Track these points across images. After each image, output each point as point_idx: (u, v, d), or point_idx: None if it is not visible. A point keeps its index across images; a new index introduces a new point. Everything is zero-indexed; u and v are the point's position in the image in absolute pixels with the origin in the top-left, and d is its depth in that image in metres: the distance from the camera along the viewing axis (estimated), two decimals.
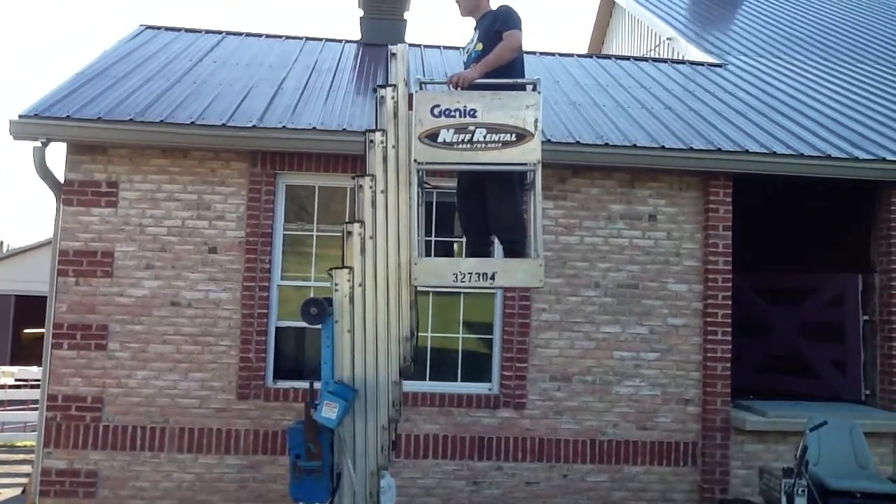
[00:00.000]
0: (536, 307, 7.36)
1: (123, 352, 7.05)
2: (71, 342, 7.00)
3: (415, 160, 4.65)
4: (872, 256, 8.11)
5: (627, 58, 11.72)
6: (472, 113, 4.58)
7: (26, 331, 21.96)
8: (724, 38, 13.12)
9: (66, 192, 7.13)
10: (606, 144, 7.36)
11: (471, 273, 4.63)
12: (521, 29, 4.92)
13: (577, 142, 7.34)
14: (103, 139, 7.05)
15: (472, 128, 4.57)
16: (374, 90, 4.89)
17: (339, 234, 4.87)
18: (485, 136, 4.57)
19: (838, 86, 10.49)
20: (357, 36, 11.31)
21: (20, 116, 6.88)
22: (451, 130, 4.58)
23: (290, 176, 7.38)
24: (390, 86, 4.86)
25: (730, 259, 7.53)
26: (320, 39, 10.83)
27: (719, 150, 7.45)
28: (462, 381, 7.41)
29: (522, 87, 4.76)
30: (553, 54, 10.99)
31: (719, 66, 11.17)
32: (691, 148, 7.44)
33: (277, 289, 7.28)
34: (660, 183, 7.60)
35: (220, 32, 10.53)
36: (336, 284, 4.78)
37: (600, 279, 7.46)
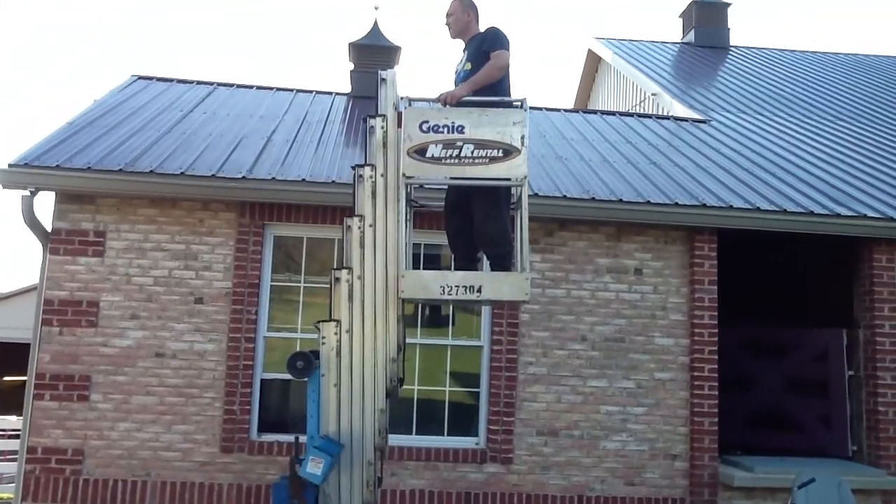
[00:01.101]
0: (523, 360, 7.35)
1: (106, 403, 6.96)
2: (53, 393, 6.92)
3: (403, 174, 4.70)
4: (856, 311, 8.18)
5: (613, 113, 11.92)
6: (460, 129, 4.66)
7: (6, 378, 21.62)
8: (708, 94, 13.38)
9: (53, 241, 7.12)
10: (593, 199, 7.44)
11: (458, 286, 4.66)
12: (508, 49, 5.03)
13: (564, 196, 7.42)
14: (92, 189, 7.06)
15: (459, 143, 4.64)
16: (364, 120, 4.94)
17: (327, 285, 4.86)
18: (472, 152, 4.64)
19: (820, 143, 10.69)
20: (347, 88, 11.45)
21: (10, 165, 6.89)
22: (440, 146, 4.65)
23: (279, 227, 7.40)
24: (380, 116, 4.91)
25: (716, 313, 7.57)
26: (311, 92, 10.96)
27: (704, 205, 7.55)
28: (448, 434, 7.35)
29: (509, 105, 4.84)
30: (540, 108, 11.15)
31: (703, 121, 11.37)
32: (676, 203, 7.53)
33: (263, 340, 7.24)
34: (646, 237, 7.67)
35: (211, 83, 10.65)
36: (323, 337, 4.76)
37: (587, 332, 7.47)
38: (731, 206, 7.58)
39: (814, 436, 8.43)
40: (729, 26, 17.36)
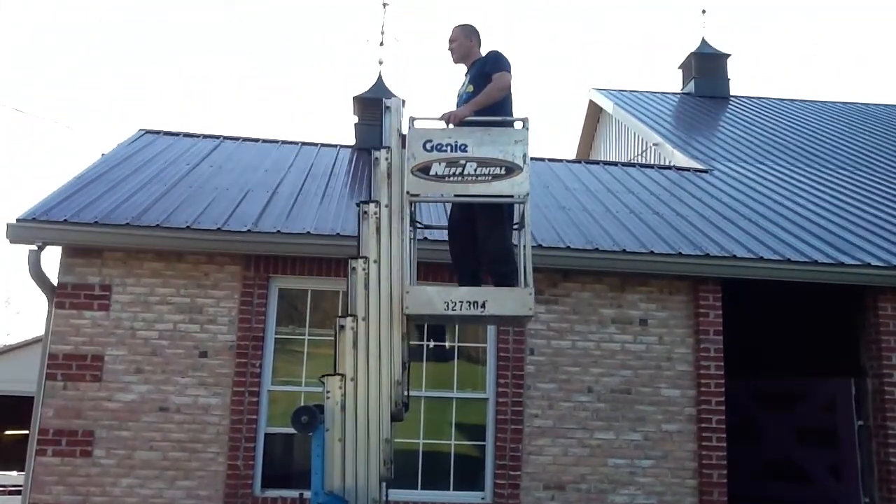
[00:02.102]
0: (529, 412, 7.30)
1: (109, 458, 6.91)
2: (55, 448, 6.87)
3: (407, 192, 4.76)
4: (863, 360, 8.13)
5: (615, 163, 12.02)
6: (463, 147, 4.73)
7: (8, 432, 21.47)
8: (709, 143, 13.49)
9: (59, 295, 7.14)
10: (596, 249, 7.47)
11: (462, 301, 4.68)
12: (510, 72, 5.15)
13: (568, 247, 7.45)
14: (99, 243, 7.12)
15: (462, 161, 4.71)
16: (369, 152, 5.00)
17: (331, 338, 4.86)
18: (475, 170, 4.71)
19: (822, 192, 10.74)
20: (352, 141, 11.58)
21: (17, 220, 6.96)
22: (443, 164, 4.73)
23: (284, 279, 7.43)
24: (384, 148, 4.97)
25: (722, 363, 7.53)
26: (316, 144, 11.09)
27: (707, 255, 7.57)
28: (454, 489, 7.26)
29: (511, 125, 4.94)
30: (543, 159, 11.24)
31: (705, 171, 11.45)
32: (680, 253, 7.56)
33: (268, 394, 7.21)
34: (650, 287, 7.67)
35: (217, 137, 10.78)
36: (328, 392, 4.73)
37: (593, 384, 7.43)
38: (735, 256, 7.60)
39: (825, 488, 8.31)
40: (729, 76, 17.58)
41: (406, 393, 4.81)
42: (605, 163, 11.93)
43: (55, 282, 7.16)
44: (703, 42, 17.66)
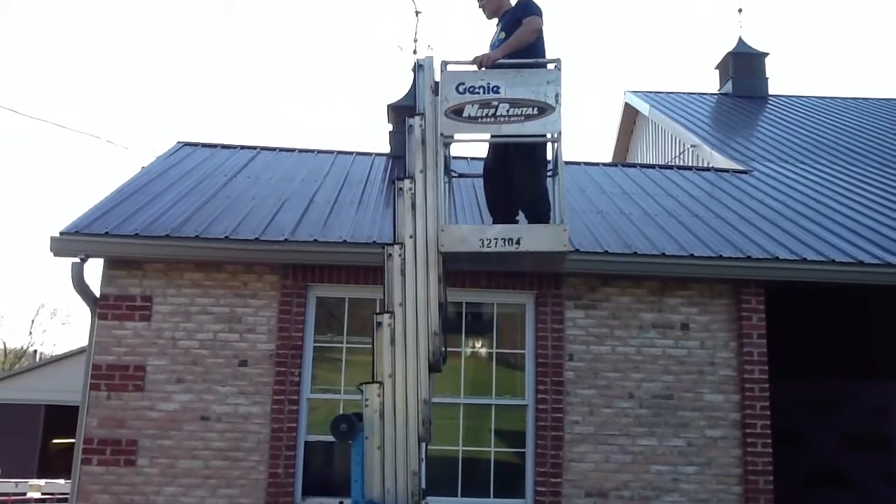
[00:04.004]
0: (570, 419, 7.23)
1: (152, 467, 6.98)
2: (100, 457, 6.96)
3: (441, 133, 4.81)
4: None
5: (653, 166, 11.89)
6: (495, 89, 4.78)
7: (55, 441, 21.87)
8: (748, 144, 13.29)
9: (102, 307, 7.25)
10: (635, 254, 7.38)
11: (497, 239, 4.74)
12: (540, 16, 5.20)
13: (606, 251, 7.37)
14: (140, 255, 7.21)
15: (495, 103, 4.77)
16: (403, 121, 5.04)
17: (369, 345, 4.86)
18: (508, 111, 4.76)
19: (866, 191, 10.50)
20: (387, 149, 11.60)
21: (61, 233, 7.08)
22: (476, 106, 4.78)
23: (321, 288, 7.46)
24: (418, 115, 4.97)
25: (766, 368, 7.38)
26: (351, 153, 11.13)
27: (749, 257, 7.43)
28: (495, 496, 7.20)
29: (543, 66, 4.96)
30: (579, 163, 11.15)
31: (745, 172, 11.27)
32: (721, 256, 7.43)
33: (307, 402, 7.24)
34: (690, 291, 7.56)
35: (254, 148, 10.88)
36: (366, 400, 4.73)
37: (634, 390, 7.33)
38: (777, 258, 7.45)
39: (875, 494, 8.11)
40: (767, 75, 17.32)
41: (444, 347, 4.80)
42: (643, 165, 11.81)
43: (98, 293, 7.27)
44: (741, 41, 17.43)
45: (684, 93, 17.40)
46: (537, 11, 5.23)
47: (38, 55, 66.20)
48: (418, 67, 5.11)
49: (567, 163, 11.17)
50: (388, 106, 12.02)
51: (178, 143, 10.79)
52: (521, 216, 5.40)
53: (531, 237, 4.80)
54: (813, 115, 15.72)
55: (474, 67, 4.95)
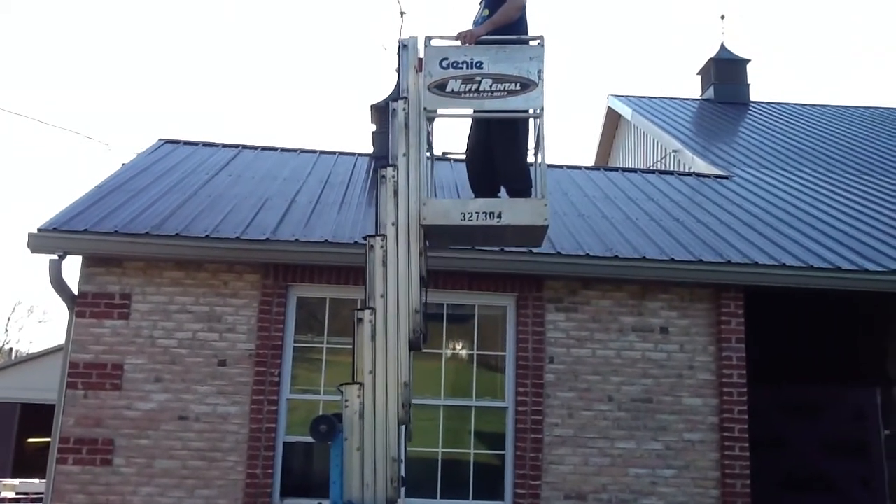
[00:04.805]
0: (549, 421, 7.24)
1: (129, 467, 6.92)
2: (76, 457, 6.89)
3: (424, 108, 4.83)
4: (889, 368, 8.00)
5: (634, 170, 11.94)
6: (478, 65, 4.81)
7: (30, 440, 21.63)
8: (730, 150, 13.39)
9: (80, 304, 7.18)
10: (616, 257, 7.41)
11: (478, 212, 4.78)
12: None
13: (587, 254, 7.39)
14: (119, 252, 7.15)
15: (478, 78, 4.79)
16: (387, 104, 5.05)
17: (350, 346, 4.83)
18: (491, 86, 4.79)
19: (845, 198, 10.61)
20: (369, 149, 11.57)
21: (39, 230, 7.00)
22: (459, 80, 4.81)
23: (302, 288, 7.42)
24: (402, 98, 4.98)
25: (744, 372, 7.43)
26: (334, 153, 11.09)
27: (729, 262, 7.48)
28: (474, 498, 7.20)
29: (526, 44, 4.99)
30: (561, 166, 11.17)
31: (726, 177, 11.35)
32: (701, 260, 7.48)
33: (286, 402, 7.20)
34: (671, 295, 7.60)
35: (236, 146, 10.81)
36: (346, 401, 4.70)
37: (614, 393, 7.35)
38: (757, 263, 7.51)
39: (853, 498, 8.18)
40: (749, 82, 17.47)
41: (424, 324, 4.78)
42: (625, 170, 11.86)
43: (76, 291, 7.20)
44: (723, 48, 17.58)
45: (667, 98, 17.52)
46: None
47: (17, 49, 65.56)
48: (402, 47, 5.13)
49: (550, 166, 11.15)
50: (372, 106, 11.97)
51: (160, 140, 10.71)
52: (503, 192, 5.43)
53: (512, 211, 4.84)
54: (793, 121, 15.87)
55: (458, 43, 4.98)
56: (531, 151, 5.12)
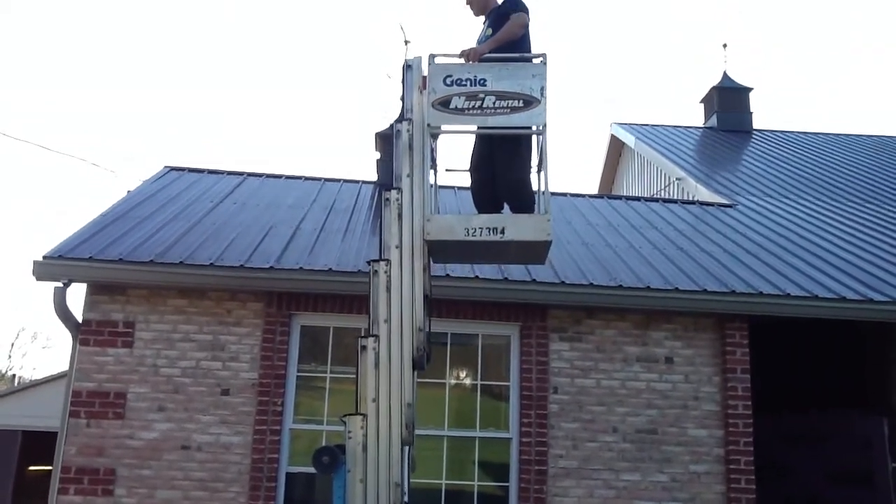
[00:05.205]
0: (553, 453, 7.19)
1: (130, 497, 6.87)
2: (77, 487, 6.85)
3: (428, 124, 4.87)
4: (894, 399, 7.95)
5: (638, 198, 11.96)
6: (482, 82, 4.87)
7: (31, 468, 21.49)
8: (733, 178, 13.41)
9: (84, 332, 7.17)
10: (620, 286, 7.40)
11: (481, 228, 4.81)
12: (527, 13, 5.31)
13: (591, 283, 7.38)
14: (124, 280, 7.15)
15: (482, 95, 4.85)
16: (391, 126, 5.07)
17: (353, 375, 4.82)
18: (494, 103, 4.85)
19: (848, 226, 10.61)
20: (374, 177, 11.62)
21: (44, 257, 7.01)
22: (463, 97, 4.87)
23: (306, 317, 7.42)
24: (406, 120, 5.01)
25: (749, 403, 7.39)
26: (338, 180, 11.13)
27: (733, 291, 7.47)
28: None
29: (529, 61, 5.04)
30: (565, 194, 11.21)
31: (729, 206, 11.36)
32: (705, 290, 7.47)
33: (289, 432, 7.16)
34: (675, 324, 7.57)
35: (241, 174, 10.86)
36: (349, 432, 4.68)
37: (618, 424, 7.31)
38: (761, 293, 7.49)
39: None
40: (751, 110, 17.54)
41: (427, 342, 4.76)
42: (628, 198, 11.88)
43: (80, 318, 7.20)
44: (725, 76, 17.67)
45: (670, 126, 17.59)
46: (524, 8, 5.35)
47: (22, 77, 66.08)
48: (407, 68, 5.19)
49: (553, 193, 11.20)
50: (376, 134, 12.04)
51: (165, 167, 10.76)
52: (506, 209, 5.45)
53: (515, 226, 4.87)
54: (796, 149, 15.91)
55: (462, 61, 5.03)
56: (534, 168, 5.16)
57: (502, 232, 4.81)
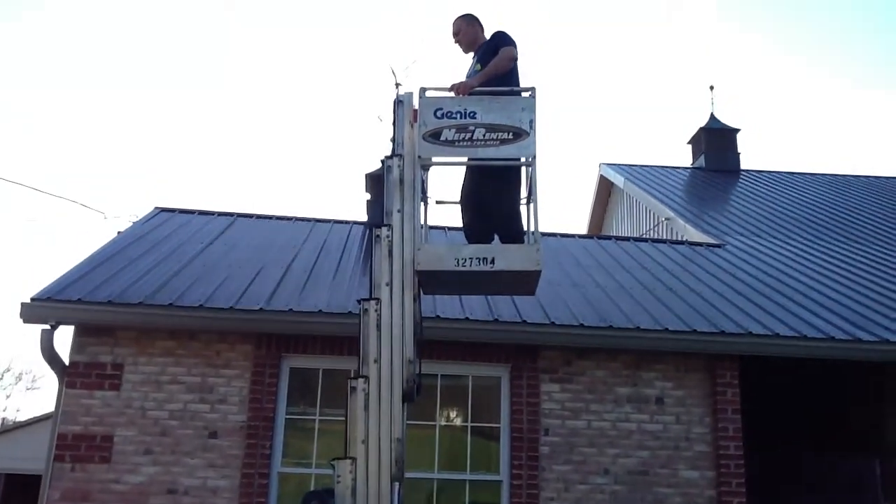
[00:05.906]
0: (545, 496, 7.12)
1: None
2: None
3: (419, 156, 4.92)
4: (888, 438, 7.93)
5: (627, 238, 12.03)
6: (472, 115, 4.92)
7: None
8: (721, 218, 13.52)
9: (70, 375, 7.10)
10: (610, 327, 7.40)
11: (471, 258, 4.81)
12: (515, 47, 5.41)
13: (581, 324, 7.39)
14: (112, 322, 7.12)
15: (472, 127, 4.91)
16: (382, 162, 5.08)
17: (343, 418, 4.77)
18: (484, 135, 4.90)
19: (836, 266, 10.68)
20: (364, 217, 11.65)
21: (32, 299, 6.97)
22: (453, 130, 4.92)
23: (295, 359, 7.38)
24: (396, 156, 5.04)
25: (741, 444, 7.36)
26: (328, 221, 11.16)
27: (723, 332, 7.48)
28: None
29: (518, 94, 5.12)
30: (555, 234, 11.25)
31: (718, 246, 11.43)
32: (695, 330, 7.48)
33: (277, 476, 7.08)
34: (665, 365, 7.57)
35: (231, 214, 10.87)
36: (338, 476, 4.63)
37: (610, 465, 7.26)
38: (751, 333, 7.51)
39: None
40: (739, 150, 17.74)
41: (418, 373, 4.72)
42: (618, 238, 11.94)
43: (67, 360, 7.13)
44: (712, 117, 17.92)
45: (658, 166, 17.77)
46: (512, 43, 5.45)
47: (12, 117, 66.27)
48: (398, 103, 5.24)
49: (543, 234, 11.25)
50: (367, 175, 12.11)
51: (156, 208, 10.78)
52: (496, 240, 5.47)
53: (505, 257, 4.88)
54: (784, 189, 16.07)
55: (452, 94, 5.09)
56: (523, 200, 5.21)
57: (492, 262, 4.83)
